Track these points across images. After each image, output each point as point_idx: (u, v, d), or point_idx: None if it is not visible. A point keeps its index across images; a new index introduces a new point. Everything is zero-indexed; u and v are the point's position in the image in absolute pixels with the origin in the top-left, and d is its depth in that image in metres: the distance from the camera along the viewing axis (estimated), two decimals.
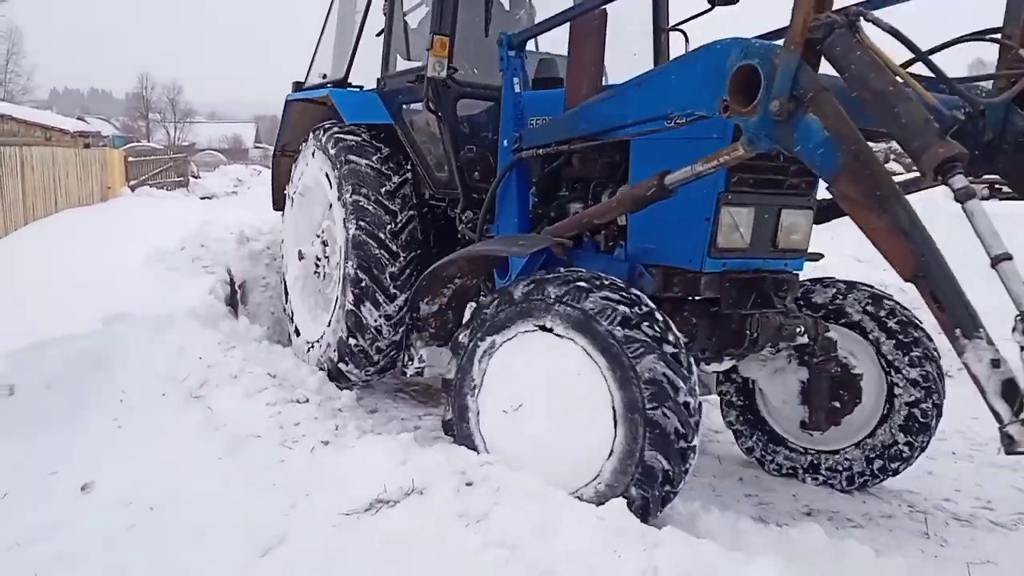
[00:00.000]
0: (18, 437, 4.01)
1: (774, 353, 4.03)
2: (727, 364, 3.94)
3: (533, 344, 3.36)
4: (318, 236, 5.63)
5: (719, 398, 4.65)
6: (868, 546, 3.16)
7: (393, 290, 4.88)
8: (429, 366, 4.51)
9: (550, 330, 3.27)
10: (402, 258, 4.93)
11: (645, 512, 3.05)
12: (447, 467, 3.38)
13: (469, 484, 3.24)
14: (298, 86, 6.56)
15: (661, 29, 5.42)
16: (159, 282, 6.79)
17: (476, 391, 3.59)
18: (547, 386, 3.31)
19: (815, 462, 4.27)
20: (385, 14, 5.33)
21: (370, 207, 4.92)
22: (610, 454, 3.10)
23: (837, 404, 4.08)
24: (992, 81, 3.14)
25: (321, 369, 5.35)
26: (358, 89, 5.84)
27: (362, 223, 4.89)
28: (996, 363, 2.23)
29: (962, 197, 2.22)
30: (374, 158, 5.11)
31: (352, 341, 5.01)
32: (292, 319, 6.00)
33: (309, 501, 3.37)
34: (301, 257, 5.86)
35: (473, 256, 4.11)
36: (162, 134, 65.02)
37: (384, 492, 3.26)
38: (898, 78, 2.48)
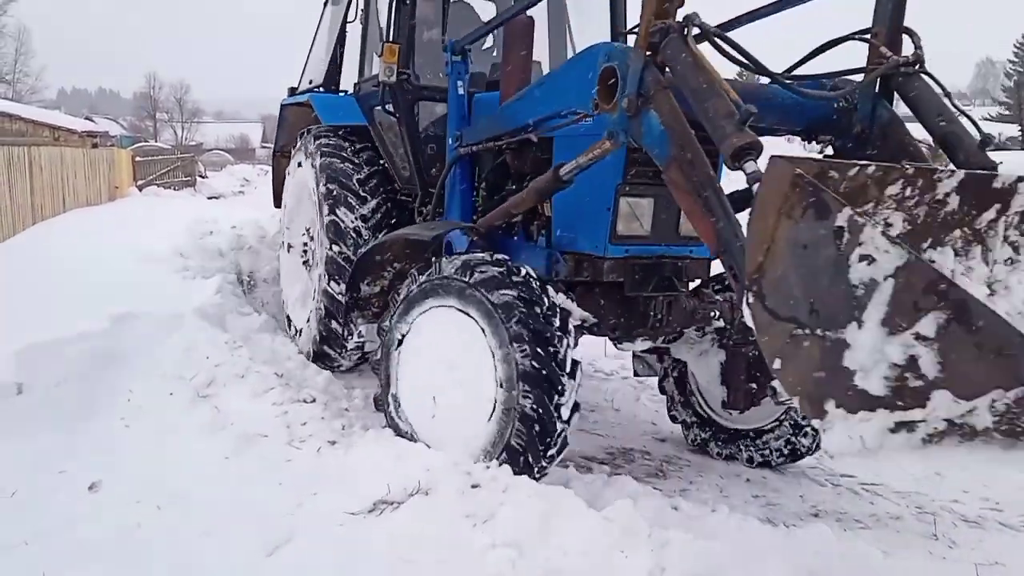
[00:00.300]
0: (26, 436, 4.03)
1: (700, 336, 4.29)
2: (641, 345, 4.26)
3: (436, 322, 3.71)
4: (307, 230, 5.88)
5: (658, 379, 5.01)
6: (876, 547, 3.15)
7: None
8: (369, 341, 4.81)
9: (448, 306, 3.63)
10: (372, 241, 5.11)
11: (528, 465, 3.35)
12: (452, 468, 3.38)
13: (475, 486, 3.24)
14: (293, 91, 6.88)
15: (619, 32, 5.69)
16: (167, 281, 6.81)
17: (396, 374, 3.94)
18: (449, 359, 3.65)
19: (737, 441, 4.54)
20: (361, 23, 5.67)
21: (341, 194, 5.25)
22: (494, 410, 3.42)
23: (754, 385, 4.19)
24: (863, 76, 3.37)
25: (307, 354, 5.57)
26: (344, 93, 6.17)
27: (334, 209, 5.23)
28: None
29: (751, 181, 2.45)
30: (347, 153, 5.47)
31: (329, 321, 5.28)
32: (285, 308, 6.30)
33: (315, 501, 3.37)
34: (291, 249, 6.23)
35: (397, 240, 4.41)
36: (169, 134, 65.23)
37: (389, 492, 3.26)
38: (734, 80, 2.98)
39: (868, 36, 3.34)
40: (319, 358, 5.49)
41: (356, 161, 5.44)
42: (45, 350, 4.73)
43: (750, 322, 2.05)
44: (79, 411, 4.32)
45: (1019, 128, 28.15)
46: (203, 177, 32.54)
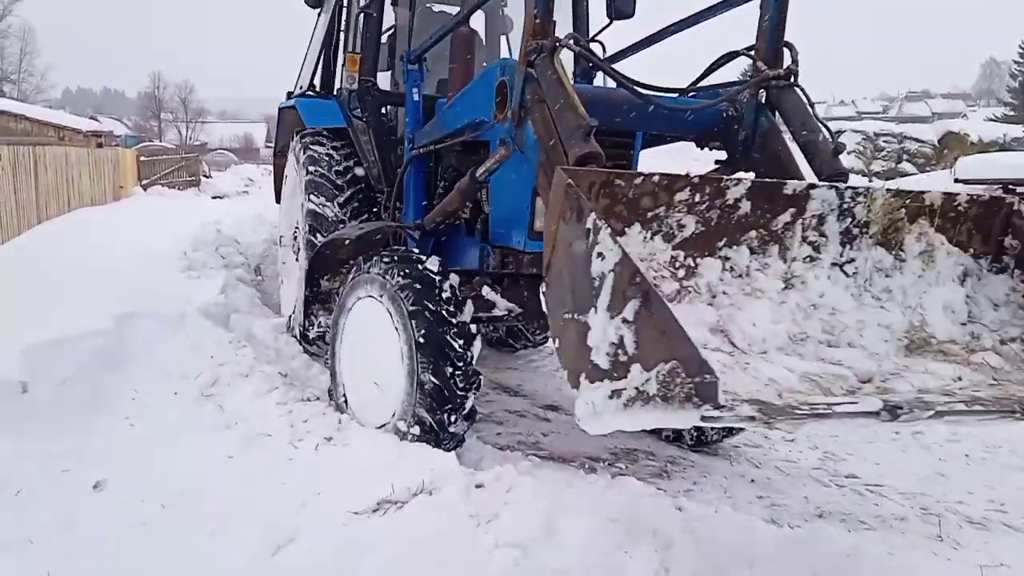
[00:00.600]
0: (31, 435, 4.03)
1: None
2: None
3: (362, 311, 4.19)
4: (297, 223, 6.14)
5: None
6: (880, 548, 3.15)
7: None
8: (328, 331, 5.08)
9: (369, 296, 4.09)
10: (356, 208, 5.69)
11: (433, 431, 3.75)
12: (456, 468, 3.39)
13: (479, 486, 3.24)
14: (290, 95, 7.22)
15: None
16: (171, 280, 6.83)
17: (339, 363, 4.44)
18: (372, 343, 4.09)
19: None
20: (343, 32, 6.09)
21: (321, 182, 5.69)
22: (404, 384, 3.80)
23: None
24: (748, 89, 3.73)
25: (296, 338, 5.87)
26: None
27: (313, 195, 5.65)
28: None
29: None
30: (327, 148, 5.88)
31: (311, 302, 5.52)
32: (279, 296, 6.87)
33: (319, 500, 3.38)
34: (282, 240, 6.80)
35: (339, 239, 4.81)
36: (174, 133, 65.28)
37: (393, 492, 3.27)
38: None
39: (752, 52, 3.72)
40: (306, 341, 5.78)
41: (336, 158, 5.80)
42: (50, 349, 4.75)
43: (545, 308, 2.39)
44: (84, 410, 4.33)
45: None
46: (207, 177, 32.57)
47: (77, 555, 3.02)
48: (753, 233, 2.81)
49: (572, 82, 3.16)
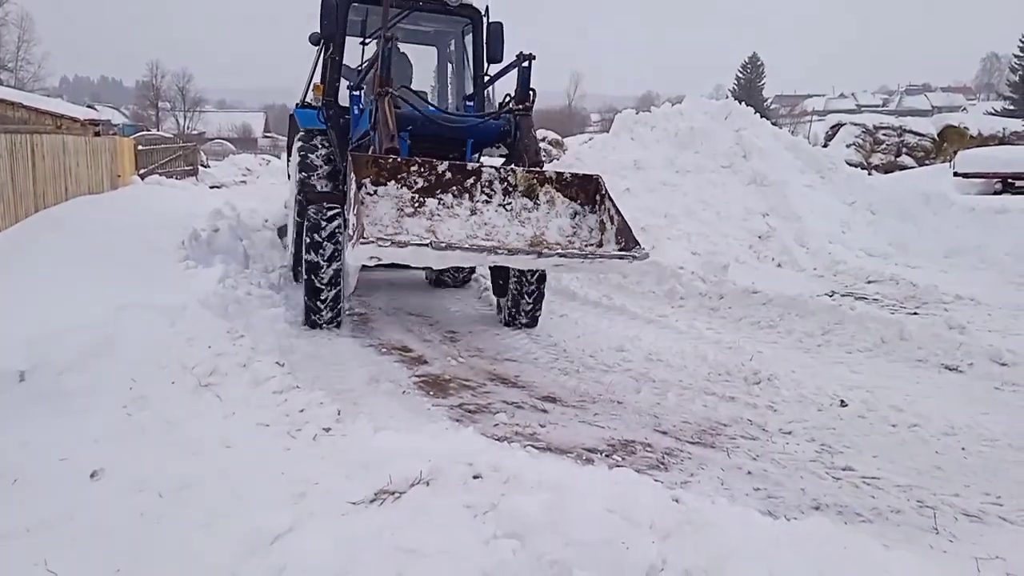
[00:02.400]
0: (29, 424, 4.03)
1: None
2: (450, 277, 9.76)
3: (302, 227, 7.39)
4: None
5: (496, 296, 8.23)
6: (877, 541, 3.15)
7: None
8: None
9: (305, 220, 7.08)
10: (328, 190, 8.06)
11: (309, 317, 7.05)
12: (454, 458, 3.39)
13: (477, 476, 3.24)
14: (297, 106, 9.75)
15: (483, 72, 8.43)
16: (170, 270, 6.81)
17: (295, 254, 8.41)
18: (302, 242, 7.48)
19: (512, 315, 7.65)
20: (329, 47, 8.39)
21: (306, 163, 8.32)
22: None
23: (501, 282, 7.80)
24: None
25: (291, 273, 8.75)
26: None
27: (302, 169, 8.30)
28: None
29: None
30: (311, 142, 8.53)
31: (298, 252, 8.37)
32: (287, 246, 9.47)
33: (317, 490, 3.38)
34: (287, 206, 9.93)
35: (313, 195, 7.52)
36: (172, 123, 65.09)
37: (391, 483, 3.27)
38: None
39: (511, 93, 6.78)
40: (296, 274, 8.59)
41: (319, 148, 8.45)
42: (49, 339, 4.74)
43: (351, 231, 4.92)
44: (82, 400, 4.32)
45: (1023, 123, 28.02)
46: (205, 166, 32.51)
47: (74, 544, 3.03)
48: (454, 187, 5.76)
49: (417, 109, 6.51)
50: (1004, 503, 4.00)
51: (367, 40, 8.34)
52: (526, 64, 6.51)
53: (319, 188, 7.91)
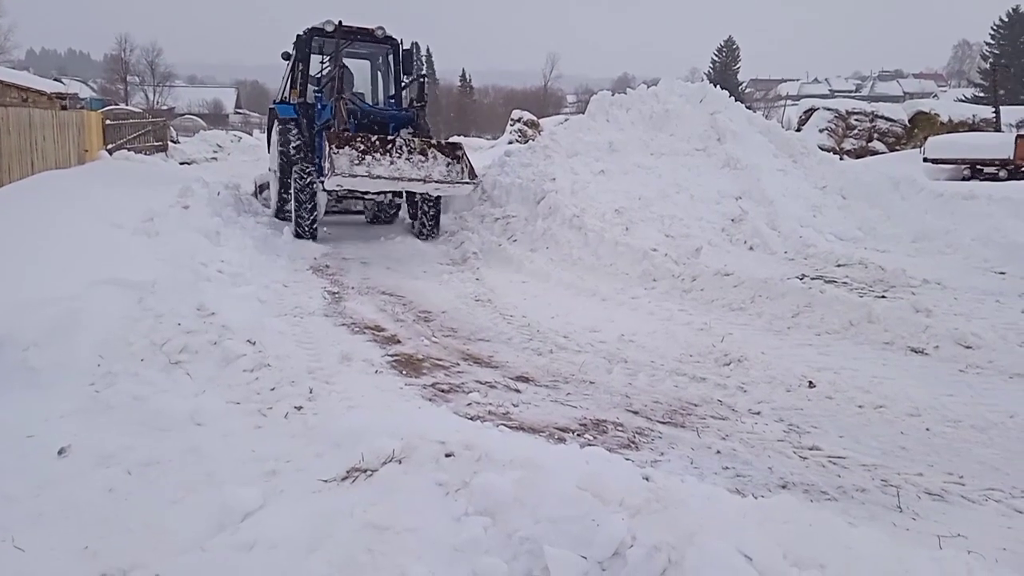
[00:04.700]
0: None
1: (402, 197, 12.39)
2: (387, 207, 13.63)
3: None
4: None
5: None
6: (842, 518, 3.20)
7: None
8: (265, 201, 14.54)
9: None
10: (301, 153, 11.86)
11: (297, 232, 11.22)
12: (426, 436, 3.39)
13: (449, 455, 3.25)
14: (274, 102, 13.59)
15: (402, 84, 13.17)
16: (139, 245, 6.72)
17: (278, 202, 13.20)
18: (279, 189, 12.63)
19: (418, 229, 11.99)
20: (300, 63, 12.67)
21: (283, 139, 12.06)
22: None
23: (412, 210, 12.22)
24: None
25: (274, 214, 12.79)
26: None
27: (281, 143, 12.14)
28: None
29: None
30: (287, 127, 12.13)
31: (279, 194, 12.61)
32: (271, 198, 13.42)
33: (289, 468, 3.37)
34: (270, 170, 13.51)
35: (291, 162, 12.09)
36: (141, 97, 63.87)
37: (363, 460, 3.27)
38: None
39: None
40: (278, 216, 12.56)
41: (293, 131, 12.01)
42: (16, 314, 4.67)
43: (326, 172, 10.01)
44: (49, 376, 4.27)
45: (992, 111, 28.42)
46: (175, 142, 32.02)
47: (41, 520, 3.00)
48: (380, 149, 10.09)
49: (359, 106, 11.63)
50: (966, 483, 4.08)
51: (324, 60, 12.33)
52: (422, 79, 12.31)
53: (296, 156, 11.85)
